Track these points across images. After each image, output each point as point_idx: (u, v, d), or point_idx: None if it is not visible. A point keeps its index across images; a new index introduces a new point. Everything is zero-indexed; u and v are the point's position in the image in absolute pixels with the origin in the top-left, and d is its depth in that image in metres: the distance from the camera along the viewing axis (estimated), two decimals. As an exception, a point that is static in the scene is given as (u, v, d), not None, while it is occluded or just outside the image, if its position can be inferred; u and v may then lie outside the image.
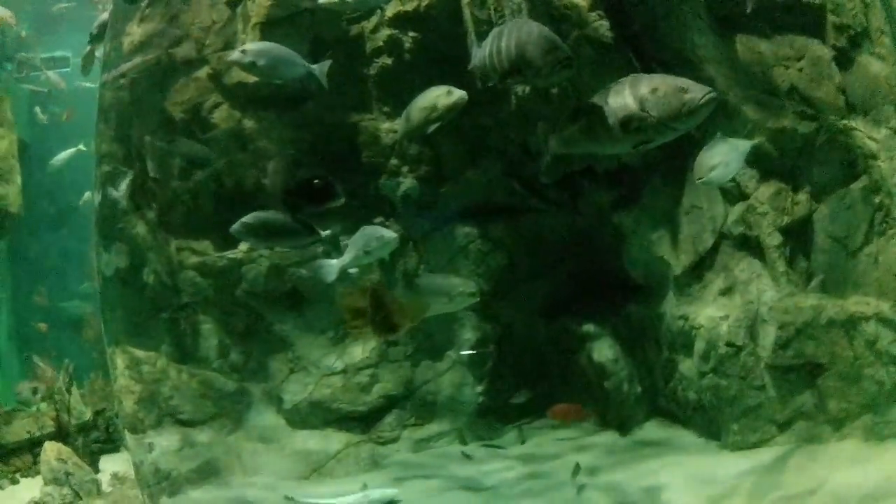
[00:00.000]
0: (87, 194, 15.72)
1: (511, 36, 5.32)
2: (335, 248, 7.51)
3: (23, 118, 15.42)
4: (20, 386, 11.75)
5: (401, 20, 8.01)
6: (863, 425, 6.83)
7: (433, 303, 7.13)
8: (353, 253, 7.05)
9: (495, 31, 5.69)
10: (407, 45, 8.05)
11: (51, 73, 14.88)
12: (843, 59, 7.30)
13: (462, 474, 7.70)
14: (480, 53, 5.63)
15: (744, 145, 6.56)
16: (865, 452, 6.61)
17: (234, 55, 7.11)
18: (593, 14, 7.40)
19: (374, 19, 8.10)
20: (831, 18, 7.28)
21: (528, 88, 7.70)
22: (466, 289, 7.07)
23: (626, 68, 7.41)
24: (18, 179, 12.61)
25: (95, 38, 10.23)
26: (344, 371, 8.28)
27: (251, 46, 7.19)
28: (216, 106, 8.38)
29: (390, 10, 7.99)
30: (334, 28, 8.10)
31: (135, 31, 8.52)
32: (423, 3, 7.99)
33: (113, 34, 8.86)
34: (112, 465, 9.60)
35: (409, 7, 7.96)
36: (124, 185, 8.54)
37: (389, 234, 7.07)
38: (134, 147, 8.79)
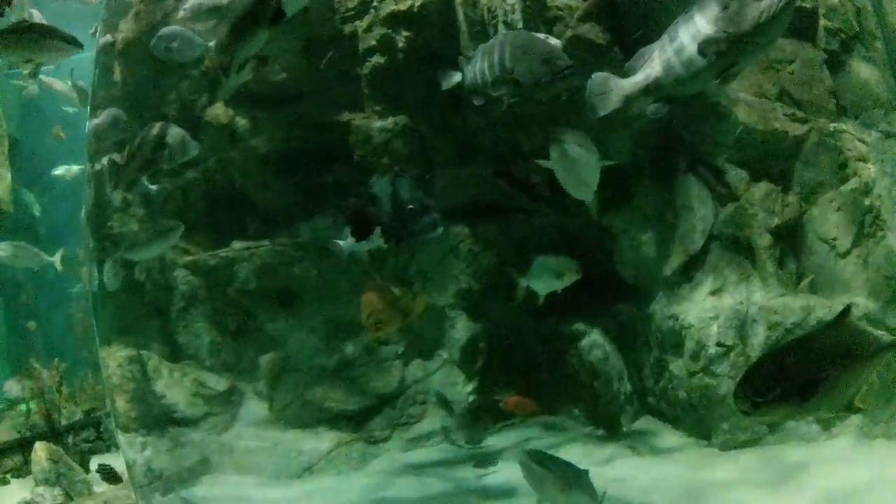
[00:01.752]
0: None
1: (503, 49, 5.22)
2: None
3: (12, 114, 15.33)
4: (7, 384, 11.68)
5: (394, 19, 7.98)
6: (853, 425, 6.92)
7: (548, 282, 7.11)
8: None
9: (483, 47, 5.60)
10: (400, 44, 8.02)
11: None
12: (835, 63, 7.37)
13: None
14: (469, 73, 5.52)
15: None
16: (856, 452, 6.68)
17: (153, 41, 7.40)
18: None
19: (367, 18, 8.08)
20: (823, 22, 7.35)
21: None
22: (573, 266, 7.01)
23: (619, 70, 7.46)
24: (8, 176, 12.50)
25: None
26: (335, 370, 8.27)
27: (164, 31, 7.43)
28: (209, 103, 8.37)
29: (384, 10, 7.98)
30: (328, 27, 8.09)
31: (127, 29, 8.53)
32: (417, 3, 7.97)
33: (105, 31, 8.84)
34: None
35: (402, 6, 7.93)
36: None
37: None
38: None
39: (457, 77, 6.08)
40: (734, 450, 7.09)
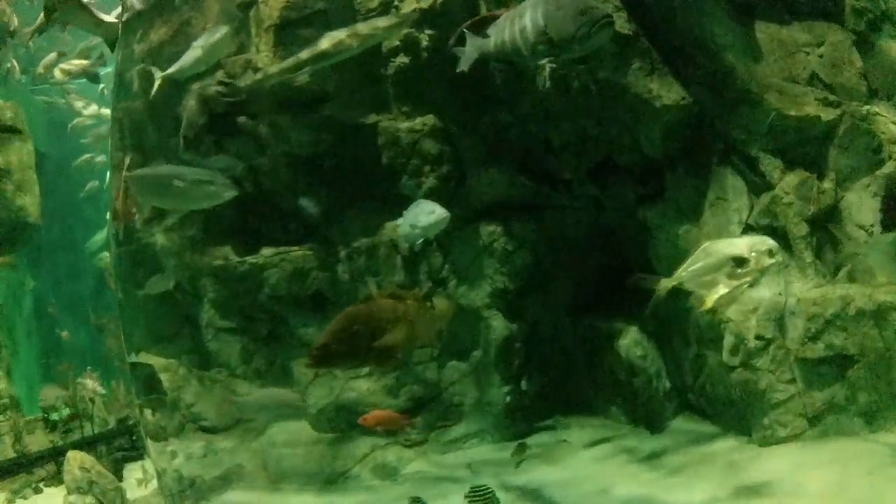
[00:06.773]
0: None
1: (535, 11, 4.98)
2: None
3: (39, 129, 15.48)
4: (43, 392, 11.77)
5: (417, 18, 7.91)
6: (895, 417, 6.75)
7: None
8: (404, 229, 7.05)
9: (508, 14, 5.40)
10: (424, 43, 7.95)
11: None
12: (864, 44, 7.24)
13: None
14: (496, 40, 5.30)
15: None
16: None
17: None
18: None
19: (390, 18, 8.01)
20: (850, 2, 7.24)
21: (547, 83, 7.59)
22: None
23: (646, 59, 7.36)
24: (36, 189, 12.59)
25: None
26: (370, 374, 8.19)
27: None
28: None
29: (406, 8, 7.89)
30: (349, 27, 8.01)
31: (148, 38, 8.50)
32: (440, 1, 7.89)
33: (124, 43, 8.81)
34: (136, 473, 9.58)
35: (425, 4, 7.85)
36: None
37: (441, 210, 6.84)
38: (150, 155, 8.76)
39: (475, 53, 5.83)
40: (775, 445, 6.95)
